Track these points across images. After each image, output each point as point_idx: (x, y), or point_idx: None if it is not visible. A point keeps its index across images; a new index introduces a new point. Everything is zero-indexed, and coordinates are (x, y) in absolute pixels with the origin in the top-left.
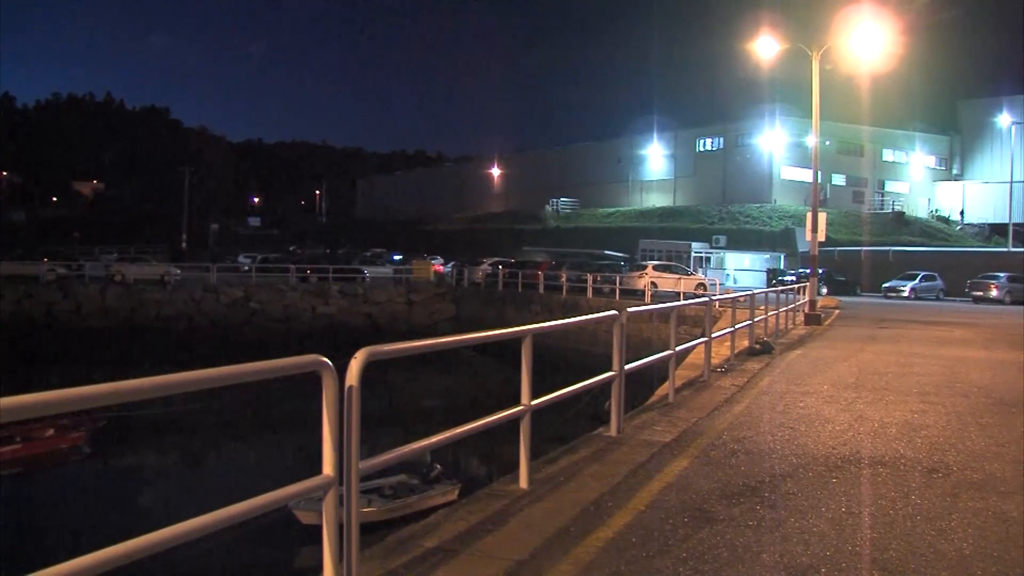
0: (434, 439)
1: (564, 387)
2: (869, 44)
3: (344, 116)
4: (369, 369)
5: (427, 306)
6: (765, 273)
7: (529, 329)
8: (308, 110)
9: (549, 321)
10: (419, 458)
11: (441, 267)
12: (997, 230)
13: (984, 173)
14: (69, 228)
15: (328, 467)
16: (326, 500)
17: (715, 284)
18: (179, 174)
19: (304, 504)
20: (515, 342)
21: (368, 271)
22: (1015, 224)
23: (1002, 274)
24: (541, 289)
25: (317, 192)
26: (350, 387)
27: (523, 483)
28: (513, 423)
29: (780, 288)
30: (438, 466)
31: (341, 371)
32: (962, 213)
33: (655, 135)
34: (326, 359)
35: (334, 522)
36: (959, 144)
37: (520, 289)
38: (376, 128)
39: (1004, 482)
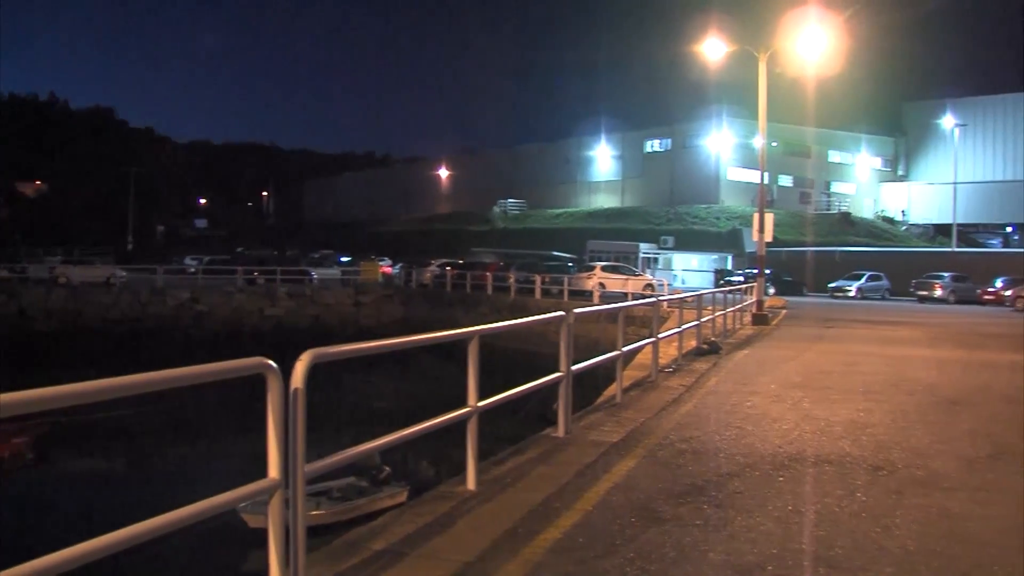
0: (380, 441)
1: (514, 388)
2: (815, 46)
3: (292, 117)
4: (317, 371)
5: (375, 308)
6: (713, 274)
7: (476, 330)
8: (256, 111)
9: (497, 322)
10: (368, 460)
11: (389, 268)
12: (942, 230)
13: (929, 174)
14: (12, 230)
15: (273, 470)
16: (272, 503)
17: (663, 285)
18: (124, 175)
19: (252, 507)
20: (462, 343)
21: (315, 273)
22: (959, 225)
23: (946, 274)
24: (489, 290)
25: (265, 193)
26: (295, 389)
27: (471, 484)
28: (461, 424)
29: (727, 288)
30: (387, 468)
31: (289, 373)
32: (904, 212)
33: (603, 136)
34: (271, 361)
35: (280, 525)
36: (904, 146)
37: (468, 290)
38: (324, 129)
39: (948, 479)
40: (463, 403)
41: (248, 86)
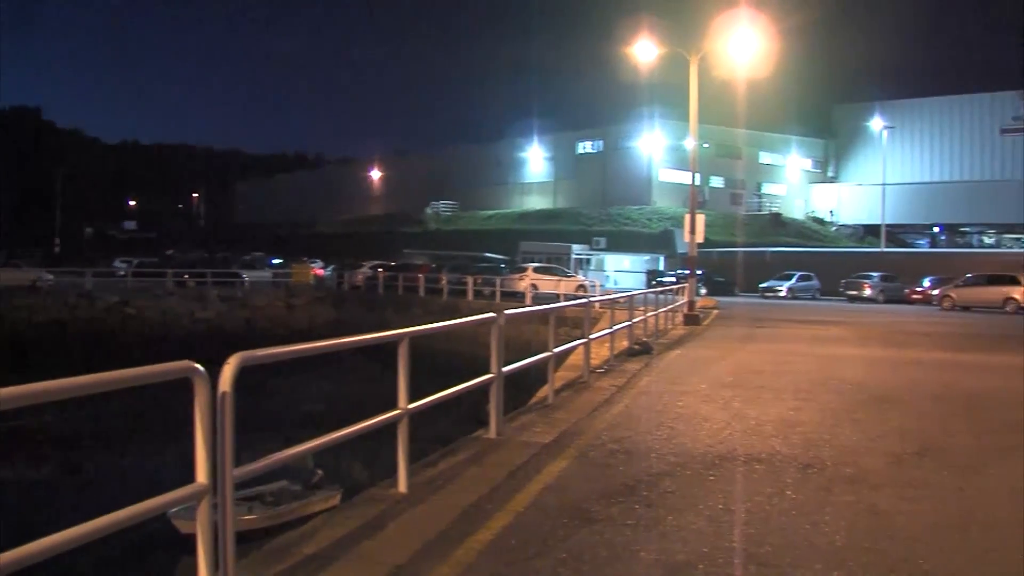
0: (309, 444)
1: (446, 390)
2: (746, 49)
3: (223, 118)
4: (247, 374)
5: (307, 310)
6: (645, 274)
7: (406, 332)
8: (186, 111)
9: (429, 324)
10: (301, 464)
11: (321, 270)
12: (871, 231)
13: (858, 175)
14: None
15: (201, 475)
16: (200, 508)
17: (595, 286)
18: (51, 177)
19: (183, 513)
20: (393, 346)
21: (247, 275)
22: (888, 225)
23: (875, 274)
24: (422, 292)
25: (195, 195)
26: (223, 393)
27: (402, 487)
28: (395, 426)
29: (659, 289)
30: (320, 472)
31: (217, 377)
32: (832, 212)
33: (535, 138)
34: (198, 365)
35: (209, 530)
36: (834, 147)
37: (400, 292)
38: (255, 130)
39: (876, 475)
40: (393, 405)
41: (178, 86)
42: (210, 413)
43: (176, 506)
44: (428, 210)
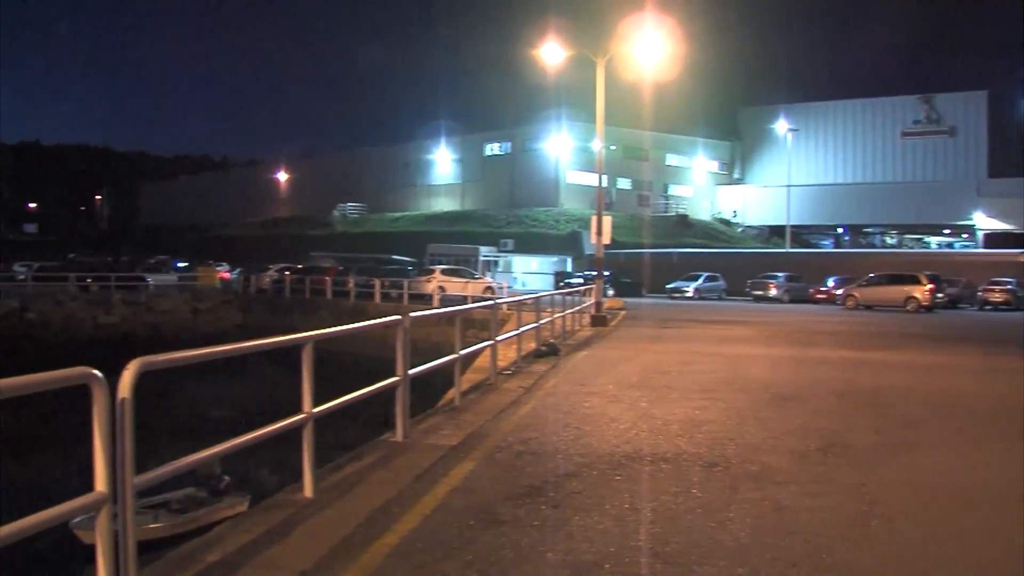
0: (213, 450)
1: (354, 393)
2: (652, 52)
3: (127, 119)
4: (153, 380)
5: (213, 314)
6: (553, 276)
7: (310, 336)
8: (88, 112)
9: (336, 327)
10: (208, 470)
11: (227, 274)
12: (776, 232)
13: (763, 177)
14: None
15: (100, 483)
16: (99, 517)
17: (503, 287)
18: None
19: (85, 522)
20: (298, 349)
21: (151, 279)
22: (793, 226)
23: (781, 274)
24: (329, 295)
25: (98, 197)
26: (122, 399)
27: (308, 492)
28: (301, 431)
29: (567, 291)
30: (227, 478)
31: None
32: (735, 213)
33: (443, 139)
34: (96, 371)
35: (109, 540)
36: (740, 149)
37: (307, 295)
38: (161, 131)
39: (780, 472)
40: (301, 410)
41: (79, 85)
42: (109, 420)
43: (76, 516)
44: (336, 212)
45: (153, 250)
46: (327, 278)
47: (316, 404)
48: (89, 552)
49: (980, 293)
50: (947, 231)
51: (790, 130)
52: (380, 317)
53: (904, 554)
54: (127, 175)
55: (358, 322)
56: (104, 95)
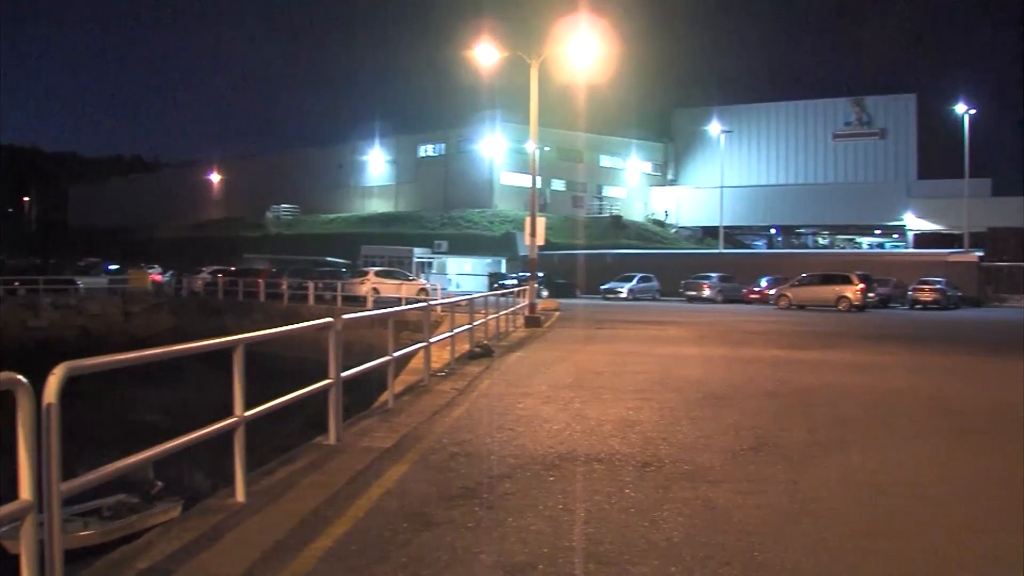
0: (142, 455)
1: (285, 396)
2: (586, 53)
3: (55, 118)
4: (84, 385)
5: (145, 317)
6: (487, 277)
7: (241, 339)
8: (15, 111)
9: (269, 330)
10: (140, 475)
11: (159, 276)
12: (709, 232)
13: (697, 178)
14: None
15: (25, 491)
16: (24, 525)
17: (436, 289)
18: None
19: (12, 532)
20: (228, 352)
21: (81, 282)
22: (726, 227)
23: (714, 274)
24: (262, 297)
25: (26, 199)
26: (48, 405)
27: (240, 496)
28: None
29: (501, 292)
30: (160, 483)
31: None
32: (666, 213)
33: (377, 141)
34: (19, 376)
35: (33, 548)
36: (673, 151)
37: (241, 298)
38: (91, 132)
39: (712, 471)
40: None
41: (6, 86)
42: (33, 426)
43: (1, 525)
44: (269, 214)
45: (83, 252)
46: (260, 280)
47: (249, 407)
48: (16, 562)
49: (910, 293)
50: (878, 232)
51: (723, 132)
52: (313, 319)
53: (834, 550)
54: (56, 176)
55: (292, 324)
56: (33, 96)
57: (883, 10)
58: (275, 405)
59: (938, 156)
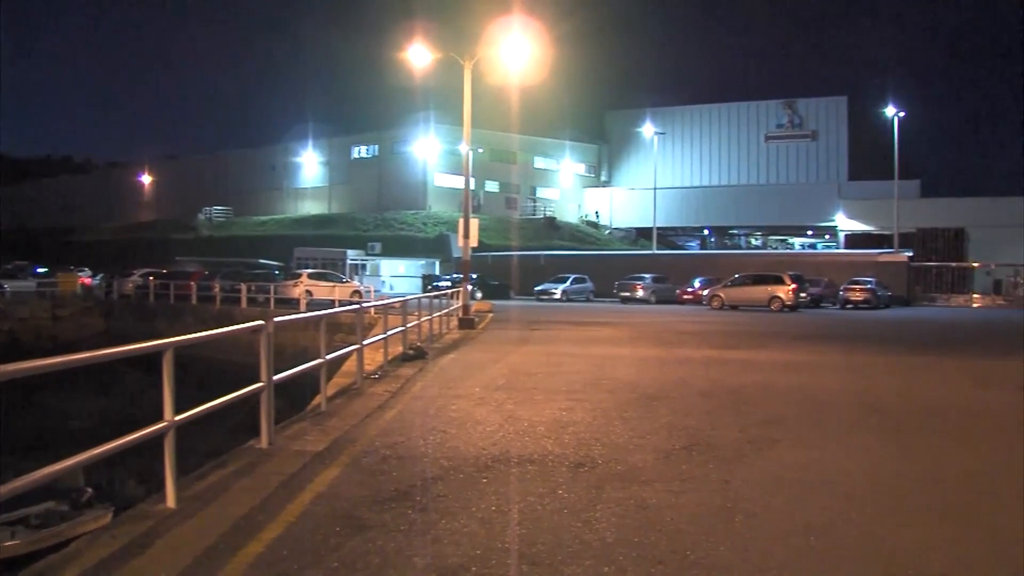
0: (69, 462)
1: (217, 400)
2: (519, 55)
3: None
4: (9, 391)
5: (74, 321)
6: (421, 279)
7: (170, 342)
8: None
9: (201, 333)
10: (69, 483)
11: (89, 279)
12: (643, 233)
13: (630, 180)
14: None
15: None
16: None
17: (370, 291)
18: None
19: None
20: (158, 356)
21: (8, 285)
22: (659, 228)
23: (647, 275)
24: (194, 300)
25: None
26: None
27: (170, 502)
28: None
29: (434, 294)
30: (90, 490)
31: None
32: (595, 214)
33: (310, 142)
34: None
35: None
36: (607, 152)
37: (172, 301)
38: (17, 132)
39: (645, 471)
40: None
41: None
42: None
43: None
44: (201, 216)
45: (10, 255)
46: (192, 283)
47: (180, 411)
48: None
49: (841, 292)
50: (810, 232)
51: (656, 133)
52: (246, 322)
53: (765, 548)
54: None
55: (224, 327)
56: None
57: (814, 14)
58: (206, 409)
59: (868, 158)
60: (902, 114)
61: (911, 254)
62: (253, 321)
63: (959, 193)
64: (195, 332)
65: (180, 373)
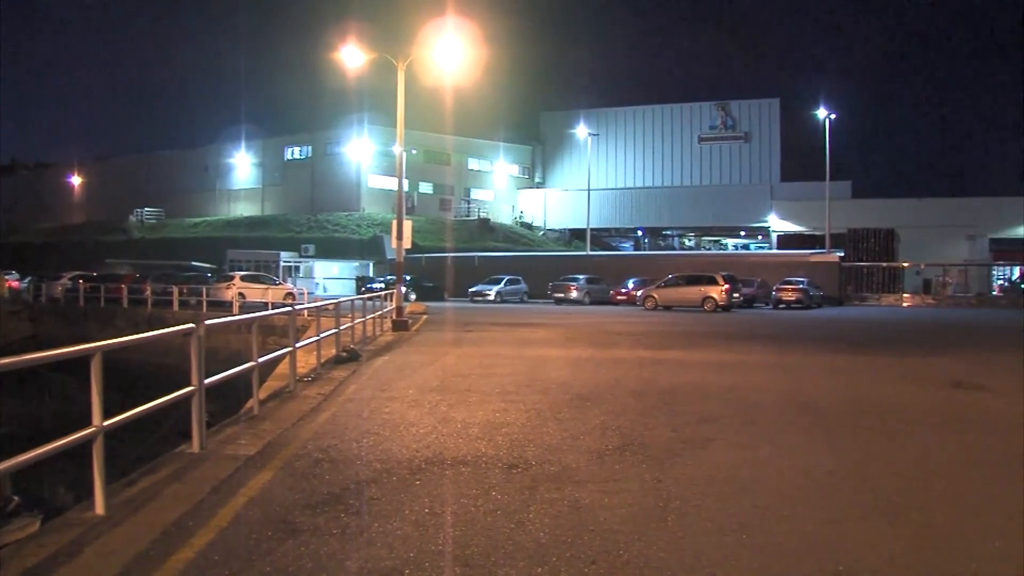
0: None
1: (147, 404)
2: (453, 56)
3: None
4: None
5: (0, 325)
6: (354, 281)
7: (99, 346)
8: None
9: (129, 336)
10: None
11: (16, 283)
12: (577, 235)
13: (565, 181)
14: None
15: None
16: None
17: (303, 293)
18: None
19: None
20: (86, 360)
21: None
22: (593, 229)
23: (581, 276)
24: (125, 303)
25: None
26: None
27: (99, 509)
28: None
29: (368, 295)
30: (16, 498)
31: None
32: (521, 214)
33: (243, 143)
34: None
35: None
36: (541, 153)
37: (103, 304)
38: None
39: (578, 472)
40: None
41: None
42: None
43: None
44: (132, 218)
45: None
46: (123, 286)
47: (109, 416)
48: None
49: (774, 293)
50: (743, 233)
51: (590, 135)
52: (178, 325)
53: (697, 546)
54: None
55: (156, 331)
56: None
57: (748, 17)
58: (136, 414)
59: (801, 159)
60: (833, 116)
61: (843, 254)
62: (184, 324)
63: (890, 194)
64: (126, 336)
65: (110, 378)
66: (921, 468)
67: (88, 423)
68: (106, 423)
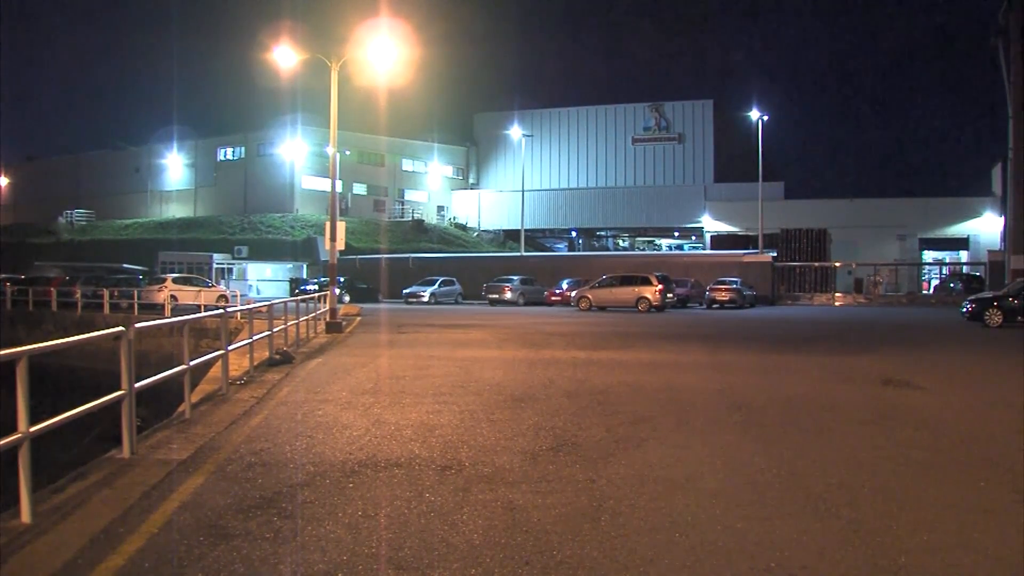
0: None
1: (74, 409)
2: (387, 57)
3: None
4: None
5: None
6: (288, 283)
7: (25, 350)
8: None
9: (56, 340)
10: None
11: None
12: (511, 235)
13: (499, 182)
14: None
15: None
16: None
17: (236, 295)
18: None
19: None
20: (11, 364)
21: None
22: (527, 230)
23: (515, 277)
24: (54, 307)
25: None
26: None
27: (25, 516)
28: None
29: (301, 297)
30: None
31: None
32: (454, 216)
33: (175, 144)
34: None
35: None
36: (475, 155)
37: (31, 307)
38: None
39: (512, 472)
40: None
41: None
42: None
43: None
44: (61, 219)
45: None
46: (52, 289)
47: (36, 422)
48: None
49: (708, 293)
50: (677, 233)
51: (524, 135)
52: (108, 328)
53: (630, 545)
54: None
55: (85, 334)
56: None
57: (682, 18)
58: (63, 419)
59: (733, 160)
60: (766, 118)
61: (775, 254)
62: (114, 327)
63: (821, 195)
64: (54, 339)
65: (37, 383)
66: (851, 464)
67: (14, 429)
68: (32, 429)
